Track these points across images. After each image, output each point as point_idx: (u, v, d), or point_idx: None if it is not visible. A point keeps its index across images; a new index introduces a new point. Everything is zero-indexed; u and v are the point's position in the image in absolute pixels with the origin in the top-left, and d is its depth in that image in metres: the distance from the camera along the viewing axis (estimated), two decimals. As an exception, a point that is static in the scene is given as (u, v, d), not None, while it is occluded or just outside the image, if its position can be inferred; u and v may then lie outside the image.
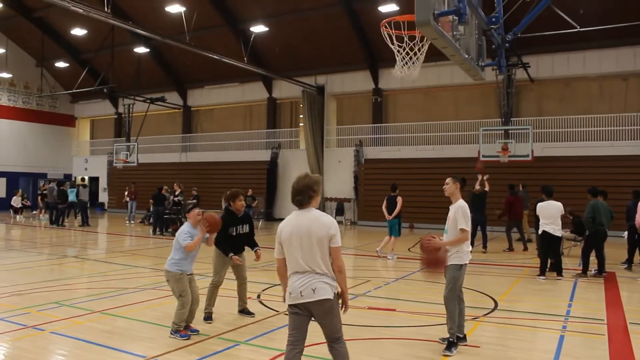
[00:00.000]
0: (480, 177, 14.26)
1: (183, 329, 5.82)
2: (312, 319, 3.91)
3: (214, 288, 6.59)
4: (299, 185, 3.93)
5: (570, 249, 13.29)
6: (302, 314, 3.84)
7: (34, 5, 27.31)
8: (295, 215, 3.95)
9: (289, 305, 3.87)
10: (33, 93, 32.92)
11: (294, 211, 3.99)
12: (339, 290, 3.89)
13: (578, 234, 12.51)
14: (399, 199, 12.53)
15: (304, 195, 3.90)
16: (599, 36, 18.74)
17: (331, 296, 3.80)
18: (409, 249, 14.39)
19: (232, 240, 6.57)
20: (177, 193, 19.05)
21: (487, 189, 14.08)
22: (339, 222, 22.24)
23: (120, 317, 6.69)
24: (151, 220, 20.16)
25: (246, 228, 6.75)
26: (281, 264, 3.99)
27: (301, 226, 3.84)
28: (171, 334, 5.79)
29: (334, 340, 3.91)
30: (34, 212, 27.55)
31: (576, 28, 15.30)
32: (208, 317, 6.49)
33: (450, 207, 5.71)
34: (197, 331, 5.96)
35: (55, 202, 21.27)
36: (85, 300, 7.80)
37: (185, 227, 5.96)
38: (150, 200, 19.42)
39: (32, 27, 29.15)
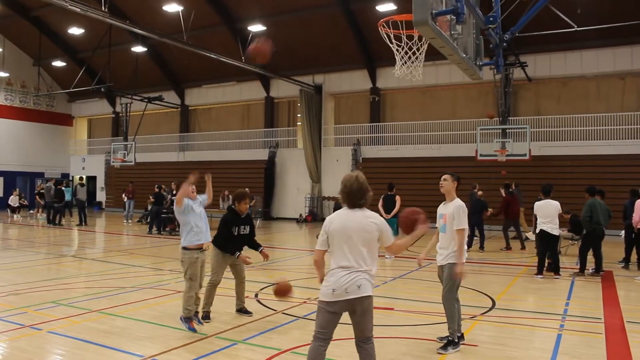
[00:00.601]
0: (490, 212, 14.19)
1: (192, 319, 5.94)
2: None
3: (212, 287, 6.58)
4: (356, 186, 3.94)
5: (568, 248, 13.32)
6: (337, 312, 3.84)
7: (31, 4, 27.23)
8: (348, 211, 3.96)
9: (326, 302, 3.82)
10: (30, 92, 32.82)
11: (345, 208, 3.99)
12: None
13: (575, 233, 12.53)
14: (398, 198, 12.51)
15: (363, 196, 3.94)
16: (596, 35, 18.78)
17: (372, 293, 3.84)
18: (407, 248, 14.37)
19: (234, 240, 6.58)
20: (174, 192, 19.05)
21: (490, 211, 14.08)
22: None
23: (118, 317, 6.68)
24: (148, 220, 20.14)
25: (247, 229, 6.78)
26: (320, 256, 3.99)
27: (353, 222, 3.87)
28: (180, 319, 5.97)
29: (365, 340, 3.90)
30: (31, 211, 27.49)
31: (573, 27, 15.35)
32: (206, 317, 6.47)
33: (444, 205, 5.69)
34: (201, 323, 6.16)
35: (52, 201, 21.24)
36: (83, 299, 7.78)
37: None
38: (152, 199, 19.41)
39: (29, 26, 29.05)
